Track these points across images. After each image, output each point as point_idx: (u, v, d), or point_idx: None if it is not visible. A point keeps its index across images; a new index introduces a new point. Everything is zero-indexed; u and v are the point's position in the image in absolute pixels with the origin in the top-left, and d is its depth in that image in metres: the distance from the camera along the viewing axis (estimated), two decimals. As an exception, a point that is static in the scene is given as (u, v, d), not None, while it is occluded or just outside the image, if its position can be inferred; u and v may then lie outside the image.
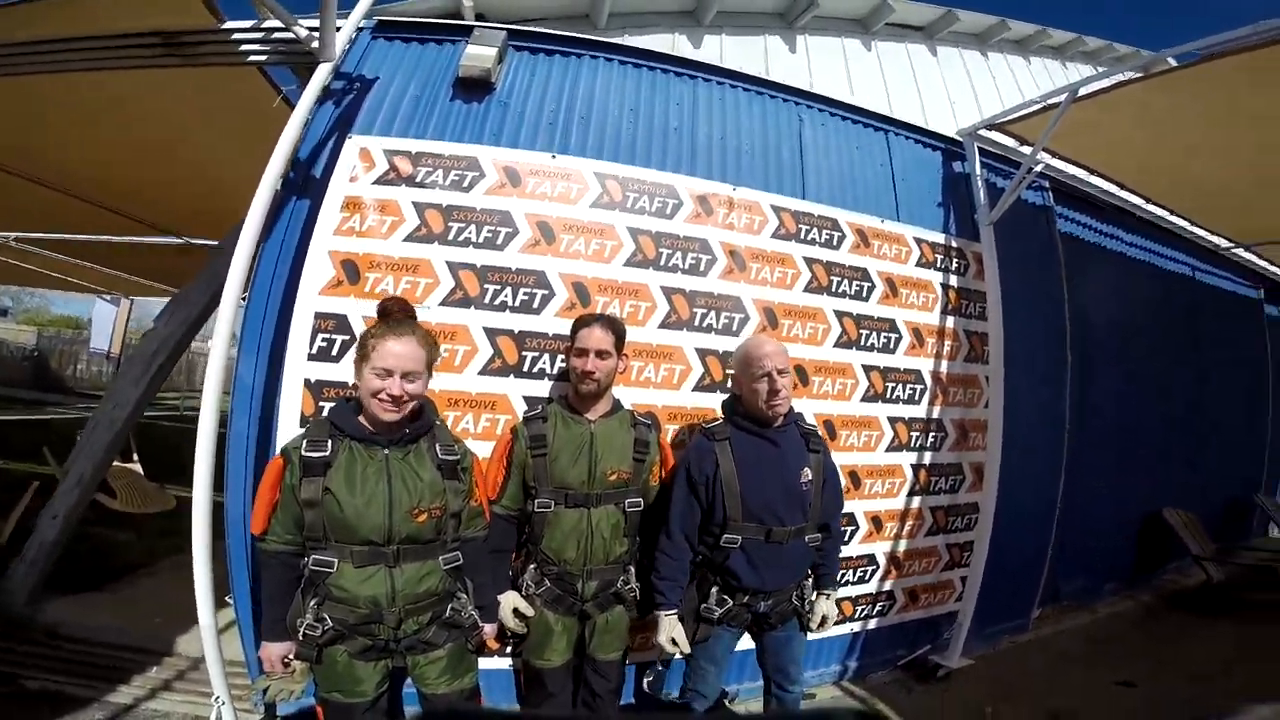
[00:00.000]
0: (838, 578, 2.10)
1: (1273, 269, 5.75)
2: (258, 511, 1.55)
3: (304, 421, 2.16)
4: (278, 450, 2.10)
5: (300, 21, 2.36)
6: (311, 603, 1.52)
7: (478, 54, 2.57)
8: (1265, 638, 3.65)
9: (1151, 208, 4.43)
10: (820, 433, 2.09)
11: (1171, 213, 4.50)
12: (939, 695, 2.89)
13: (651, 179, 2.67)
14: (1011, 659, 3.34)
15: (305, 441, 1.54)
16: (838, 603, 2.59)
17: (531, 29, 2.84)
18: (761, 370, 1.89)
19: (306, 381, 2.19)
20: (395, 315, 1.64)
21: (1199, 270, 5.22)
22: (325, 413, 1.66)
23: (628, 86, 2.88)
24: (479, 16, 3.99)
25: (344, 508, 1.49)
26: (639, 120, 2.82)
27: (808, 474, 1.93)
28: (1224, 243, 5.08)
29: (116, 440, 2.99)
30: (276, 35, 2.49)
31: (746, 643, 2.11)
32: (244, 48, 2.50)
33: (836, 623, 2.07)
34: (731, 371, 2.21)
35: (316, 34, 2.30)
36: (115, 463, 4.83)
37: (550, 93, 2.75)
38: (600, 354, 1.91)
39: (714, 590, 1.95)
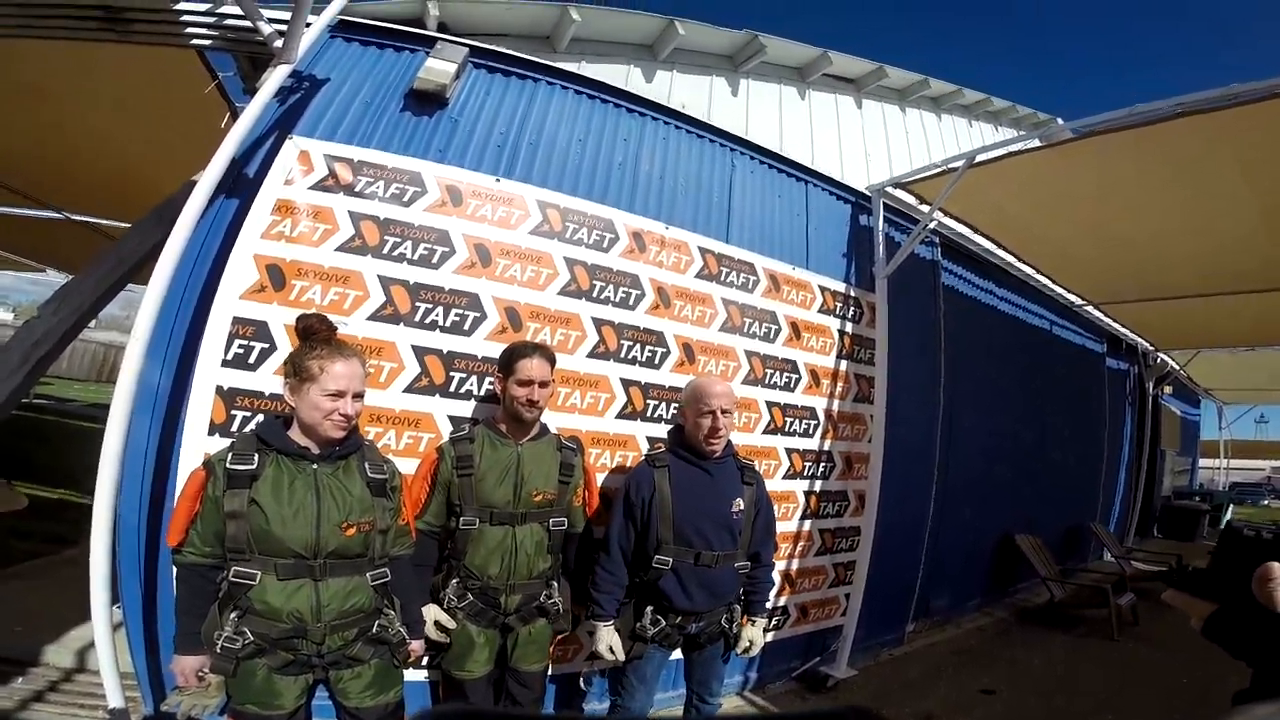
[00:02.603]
0: (767, 604, 2.24)
1: (1115, 326, 6.70)
2: (175, 523, 1.52)
3: (213, 430, 2.07)
4: (183, 458, 2.06)
5: (263, 14, 2.22)
6: (231, 616, 1.50)
7: (437, 68, 2.53)
8: (1095, 650, 4.24)
9: (1022, 266, 5.06)
10: (756, 468, 2.24)
11: (1038, 271, 5.17)
12: (830, 703, 3.12)
13: (592, 211, 2.76)
14: (890, 669, 3.66)
15: (230, 454, 1.53)
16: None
17: (494, 49, 2.84)
18: (707, 408, 2.03)
19: (219, 388, 2.09)
20: (323, 334, 1.65)
21: (1055, 324, 5.99)
22: (251, 427, 1.64)
23: (580, 116, 2.95)
24: (441, 26, 3.96)
25: (270, 519, 1.49)
26: (586, 151, 2.89)
27: (739, 504, 2.08)
28: (1077, 300, 5.86)
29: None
30: (229, 22, 2.33)
31: (673, 655, 2.25)
32: (189, 30, 2.33)
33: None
34: (679, 404, 2.34)
35: (282, 32, 2.18)
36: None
37: (503, 114, 2.76)
38: (543, 384, 1.99)
39: (649, 610, 2.06)
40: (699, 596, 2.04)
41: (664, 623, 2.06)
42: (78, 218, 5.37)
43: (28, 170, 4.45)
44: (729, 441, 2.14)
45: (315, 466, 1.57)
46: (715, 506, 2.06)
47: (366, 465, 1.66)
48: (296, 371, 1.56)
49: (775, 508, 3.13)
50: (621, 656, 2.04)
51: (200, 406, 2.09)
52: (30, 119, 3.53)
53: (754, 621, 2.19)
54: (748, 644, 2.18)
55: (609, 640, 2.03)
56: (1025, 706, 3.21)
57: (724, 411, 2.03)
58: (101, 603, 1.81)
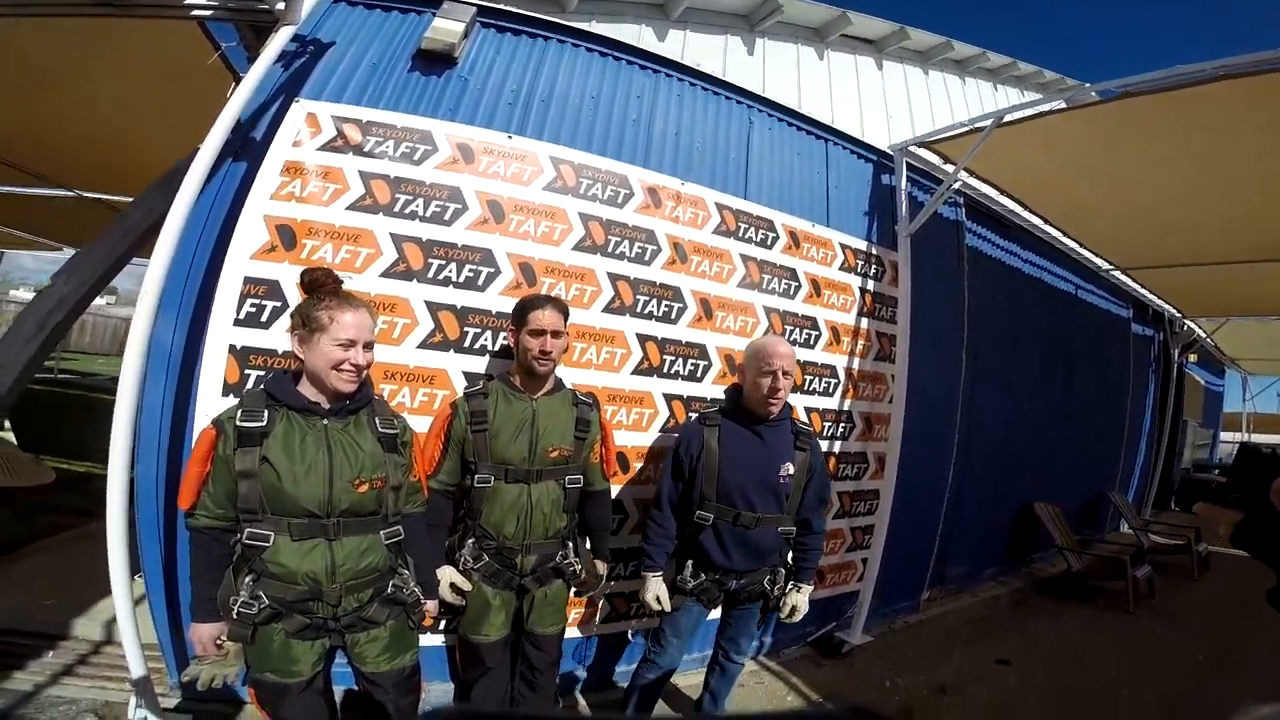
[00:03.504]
0: (814, 572, 2.22)
1: (1142, 291, 6.51)
2: (186, 485, 1.49)
3: (227, 390, 2.07)
4: (197, 419, 2.06)
5: None
6: (246, 580, 1.48)
7: (444, 27, 2.50)
8: (1110, 623, 4.18)
9: (1047, 228, 4.91)
10: (813, 433, 2.21)
11: (1064, 234, 5.01)
12: (844, 669, 3.13)
13: (606, 167, 2.71)
14: (905, 637, 3.63)
15: (240, 411, 1.50)
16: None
17: (502, 8, 2.79)
18: (769, 368, 2.00)
19: (232, 348, 2.09)
20: (329, 286, 1.61)
21: (1080, 288, 5.81)
22: (260, 384, 1.62)
23: (592, 74, 2.89)
24: None
25: (282, 477, 1.46)
26: (599, 108, 2.84)
27: (789, 469, 2.06)
28: (1104, 265, 5.70)
29: (0, 407, 2.70)
30: None
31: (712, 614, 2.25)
32: (189, 1, 2.30)
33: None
34: (739, 363, 2.31)
35: None
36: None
37: (513, 73, 2.72)
38: (555, 334, 1.95)
39: (689, 564, 2.10)
40: (737, 555, 2.06)
41: (704, 577, 2.09)
42: (90, 195, 5.38)
43: (42, 152, 4.45)
44: (787, 404, 2.13)
45: (325, 422, 1.54)
46: (761, 469, 2.06)
47: (377, 420, 1.63)
48: (305, 322, 1.52)
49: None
50: (669, 607, 2.08)
51: (214, 367, 2.09)
52: (43, 105, 3.52)
53: (800, 588, 2.17)
54: (791, 609, 2.15)
55: (656, 590, 2.07)
56: (1039, 678, 3.18)
57: (784, 373, 2.01)
58: (120, 572, 1.82)
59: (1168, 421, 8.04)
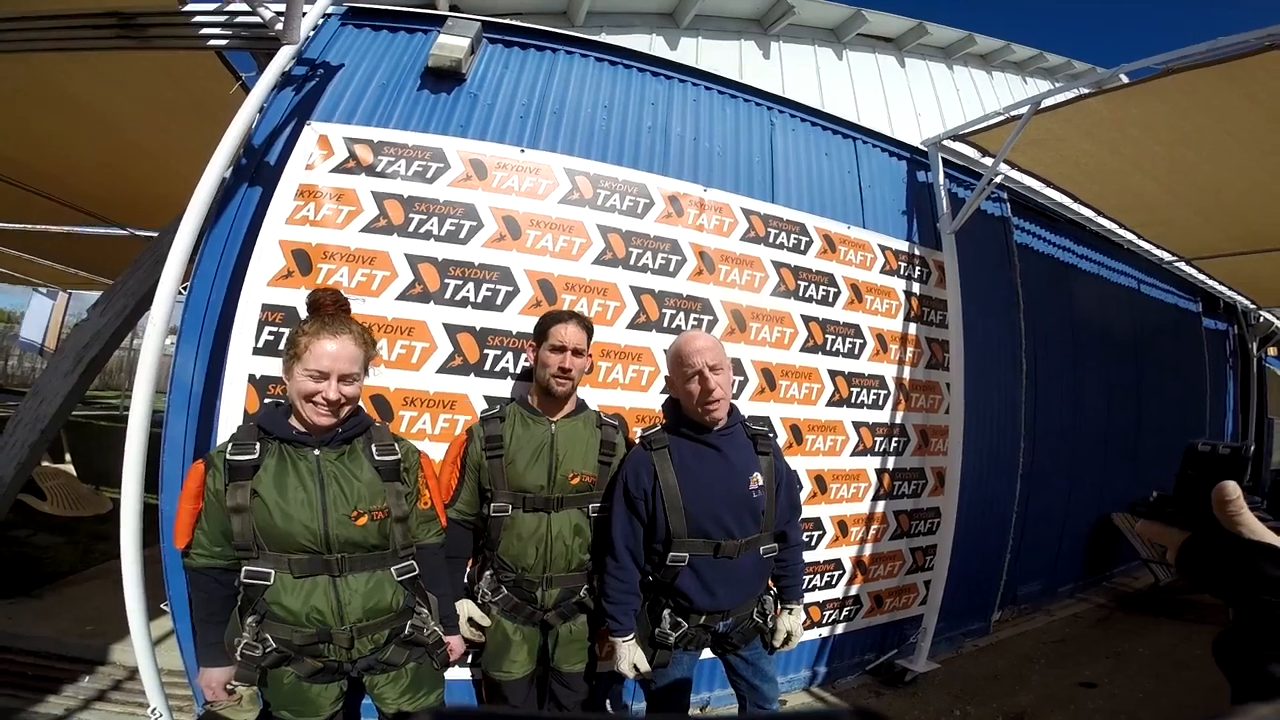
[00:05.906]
0: (803, 589, 1.92)
1: (1211, 283, 6.01)
2: (180, 524, 1.43)
3: (248, 420, 2.03)
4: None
5: (267, 4, 2.25)
6: (249, 620, 1.40)
7: (450, 44, 2.50)
8: (1208, 638, 3.74)
9: (1102, 221, 4.56)
10: (770, 433, 1.91)
11: (1121, 226, 4.67)
12: (907, 699, 2.89)
13: (623, 177, 2.62)
14: (975, 662, 3.37)
15: (230, 445, 1.43)
16: (806, 609, 2.53)
17: (508, 23, 2.79)
18: (692, 369, 1.69)
19: (251, 377, 2.06)
20: (328, 308, 1.54)
21: (1143, 283, 5.42)
22: (253, 418, 1.56)
23: (603, 83, 2.84)
24: (453, 8, 3.93)
25: (273, 511, 1.38)
26: (612, 117, 2.78)
27: (758, 479, 1.76)
28: (1168, 256, 5.26)
29: (43, 439, 2.76)
30: (239, 19, 2.37)
31: (707, 652, 1.98)
32: (204, 30, 2.37)
33: (805, 628, 1.96)
34: (666, 374, 2.09)
35: (282, 16, 2.19)
36: (45, 463, 4.55)
37: (523, 86, 2.69)
38: (576, 352, 1.83)
39: (666, 613, 1.77)
40: (723, 593, 1.74)
41: (685, 625, 1.77)
42: (143, 234, 5.63)
43: (98, 195, 4.70)
44: (733, 407, 1.81)
45: (317, 453, 1.45)
46: (731, 487, 1.74)
47: (374, 447, 1.52)
48: (289, 347, 1.44)
49: (845, 488, 2.91)
50: (647, 670, 1.77)
51: (234, 397, 2.06)
52: (96, 144, 3.69)
53: (790, 610, 1.89)
54: (785, 636, 1.86)
55: (631, 657, 1.74)
56: (1132, 700, 2.89)
57: (713, 369, 1.68)
58: (136, 599, 1.80)
59: (1251, 421, 7.38)
